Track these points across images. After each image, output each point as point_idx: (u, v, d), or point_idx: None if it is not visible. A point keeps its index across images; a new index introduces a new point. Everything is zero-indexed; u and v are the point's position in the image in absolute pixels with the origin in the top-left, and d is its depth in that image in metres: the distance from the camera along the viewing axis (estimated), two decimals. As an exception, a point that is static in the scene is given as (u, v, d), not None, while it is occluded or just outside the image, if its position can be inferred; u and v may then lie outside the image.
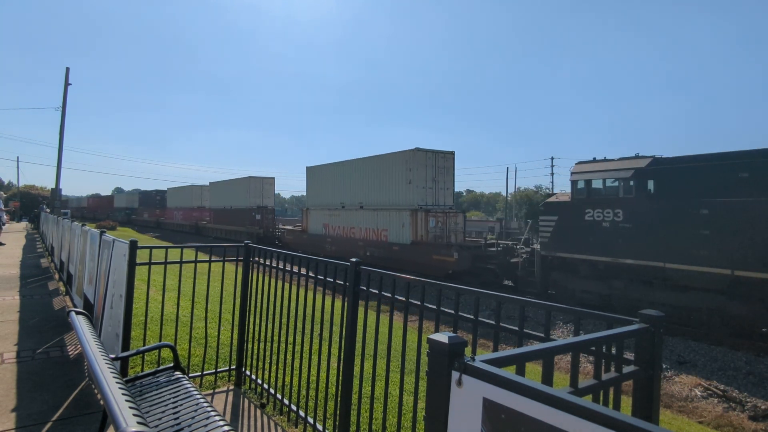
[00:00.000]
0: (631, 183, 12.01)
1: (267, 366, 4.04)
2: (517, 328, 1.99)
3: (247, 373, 4.19)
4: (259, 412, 3.76)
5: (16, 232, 26.62)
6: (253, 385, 4.11)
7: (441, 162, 19.14)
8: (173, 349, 3.15)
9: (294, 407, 3.49)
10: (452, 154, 19.46)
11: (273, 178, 34.13)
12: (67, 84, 24.58)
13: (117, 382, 1.82)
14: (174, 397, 2.65)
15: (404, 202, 18.74)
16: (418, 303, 2.53)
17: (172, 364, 3.08)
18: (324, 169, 24.62)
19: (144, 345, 4.12)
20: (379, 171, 20.43)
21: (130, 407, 1.58)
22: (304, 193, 28.32)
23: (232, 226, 33.69)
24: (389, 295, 2.74)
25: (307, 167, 25.87)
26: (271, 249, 4.00)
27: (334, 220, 23.04)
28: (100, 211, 69.03)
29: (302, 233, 25.52)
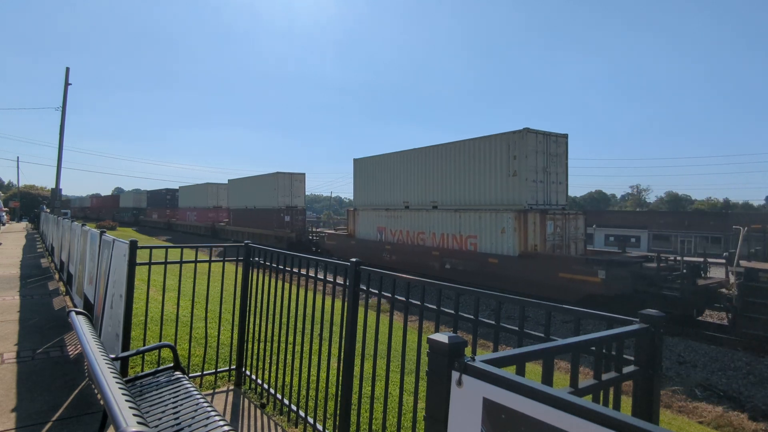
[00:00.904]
0: None
1: (267, 366, 4.04)
2: (517, 328, 1.99)
3: (247, 373, 4.19)
4: (259, 412, 3.76)
5: (16, 232, 26.63)
6: (253, 385, 4.11)
7: (553, 147, 14.25)
8: (173, 349, 3.15)
9: (294, 407, 3.49)
10: (565, 137, 14.69)
11: (303, 174, 29.89)
12: (67, 84, 24.58)
13: (117, 382, 1.82)
14: (174, 397, 2.65)
15: (505, 200, 14.30)
16: (418, 303, 2.53)
17: (172, 364, 3.08)
18: (380, 161, 20.21)
19: (144, 345, 4.12)
20: (464, 160, 15.71)
21: (130, 407, 1.58)
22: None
23: (257, 229, 29.92)
24: (389, 295, 2.74)
25: (354, 159, 21.90)
26: (271, 249, 3.99)
27: (394, 223, 18.90)
28: (104, 212, 66.23)
29: (348, 238, 21.60)
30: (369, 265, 2.85)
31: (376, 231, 19.97)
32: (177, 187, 47.91)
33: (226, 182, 38.62)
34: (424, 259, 16.88)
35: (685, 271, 11.39)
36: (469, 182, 15.70)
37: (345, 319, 2.99)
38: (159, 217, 49.68)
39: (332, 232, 25.49)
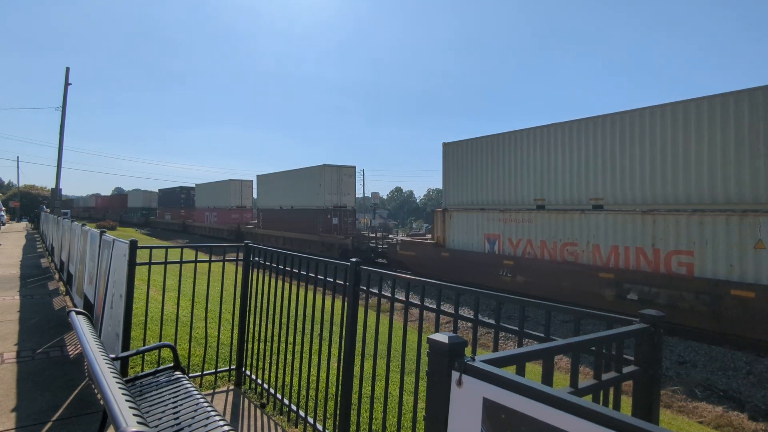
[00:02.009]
0: None
1: (267, 366, 4.04)
2: (517, 328, 2.00)
3: (247, 373, 4.19)
4: (259, 412, 3.76)
5: (16, 232, 26.64)
6: (253, 385, 4.11)
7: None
8: (173, 349, 3.15)
9: (294, 407, 3.49)
10: None
11: (353, 168, 24.98)
12: (67, 84, 24.60)
13: (117, 382, 1.82)
14: (174, 397, 2.65)
15: (760, 197, 9.04)
16: (418, 303, 2.53)
17: (172, 364, 3.08)
18: (488, 144, 14.70)
19: (144, 345, 4.13)
20: (665, 133, 10.30)
21: (130, 407, 1.58)
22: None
23: (296, 233, 25.24)
24: (389, 295, 2.74)
25: (445, 144, 16.58)
26: (270, 249, 3.99)
27: (517, 230, 13.66)
28: (111, 212, 62.20)
29: (436, 248, 16.36)
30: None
31: (484, 240, 14.67)
32: (193, 185, 43.53)
33: (252, 178, 34.75)
34: (582, 284, 11.62)
35: None
36: (678, 167, 10.06)
37: (345, 319, 2.99)
38: (172, 217, 45.44)
39: (408, 239, 19.78)
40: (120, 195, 67.16)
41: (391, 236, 23.59)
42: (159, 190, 51.74)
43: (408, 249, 17.92)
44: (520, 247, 13.62)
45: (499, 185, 14.52)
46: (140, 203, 55.13)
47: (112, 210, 62.68)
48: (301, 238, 24.79)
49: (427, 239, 18.79)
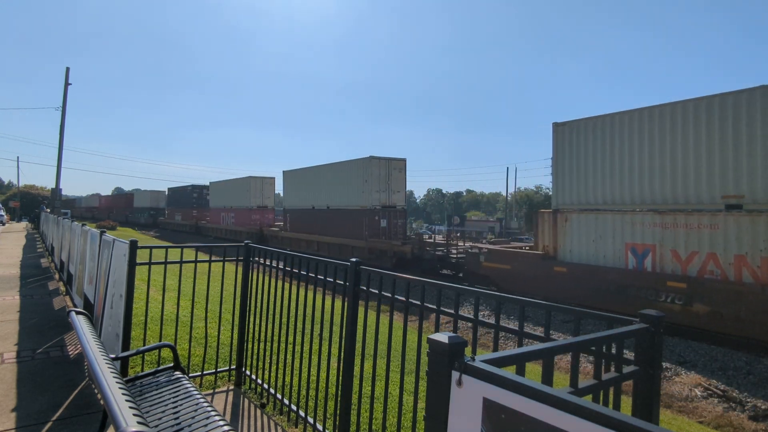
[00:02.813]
0: None
1: (267, 366, 4.04)
2: (517, 328, 2.00)
3: (247, 373, 4.19)
4: (259, 412, 3.76)
5: (16, 232, 26.65)
6: (253, 385, 4.11)
7: None
8: (173, 349, 3.15)
9: (294, 407, 3.49)
10: None
11: (404, 161, 21.14)
12: (67, 84, 24.60)
13: (117, 382, 1.82)
14: (174, 397, 2.65)
15: None
16: (418, 303, 2.53)
17: (172, 364, 3.08)
18: (622, 121, 11.31)
19: (144, 345, 4.13)
20: None
21: (130, 407, 1.58)
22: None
23: (336, 237, 21.72)
24: (389, 295, 2.74)
25: (555, 124, 12.99)
26: (270, 249, 3.99)
27: (693, 240, 9.99)
28: (116, 212, 59.22)
29: (545, 261, 12.84)
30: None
31: (626, 252, 11.05)
32: (206, 183, 40.62)
33: (273, 176, 31.91)
34: None
35: None
36: None
37: (345, 319, 2.99)
38: (184, 218, 42.00)
39: (499, 247, 15.53)
40: (125, 194, 61.62)
41: (469, 244, 18.80)
42: (168, 188, 48.42)
43: (499, 260, 14.15)
44: (696, 263, 9.84)
45: (651, 176, 10.64)
46: (147, 203, 51.98)
47: (117, 210, 60.00)
48: (342, 244, 21.17)
49: (521, 248, 15.27)
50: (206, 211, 39.31)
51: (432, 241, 19.23)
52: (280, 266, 3.80)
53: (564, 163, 12.90)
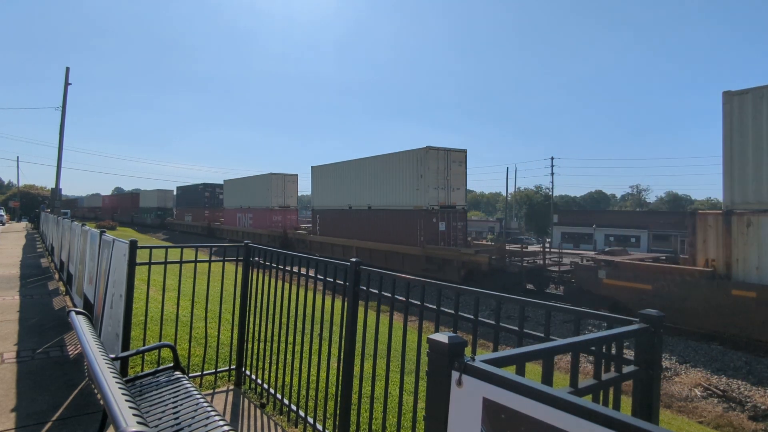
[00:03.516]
0: None
1: (267, 366, 4.04)
2: (517, 328, 1.99)
3: (247, 373, 4.19)
4: (259, 412, 3.76)
5: (16, 232, 26.65)
6: (253, 385, 4.11)
7: None
8: (173, 349, 3.15)
9: (294, 407, 3.49)
10: None
11: (464, 152, 18.00)
12: (67, 84, 24.59)
13: (117, 382, 1.82)
14: (174, 397, 2.65)
15: None
16: (418, 303, 2.53)
17: (172, 364, 3.08)
18: None
19: (144, 345, 4.13)
20: None
21: (130, 407, 1.58)
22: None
23: (380, 243, 18.93)
24: (389, 295, 2.74)
25: (727, 93, 9.89)
26: (270, 249, 3.99)
27: None
28: (121, 213, 57.06)
29: (715, 282, 9.91)
30: None
31: None
32: (220, 181, 38.63)
33: (296, 172, 29.03)
34: None
35: None
36: None
37: (345, 319, 2.99)
38: (195, 219, 39.51)
39: (626, 259, 12.47)
40: (130, 194, 58.20)
41: (577, 252, 15.17)
42: (177, 187, 45.25)
43: (632, 277, 11.14)
44: None
45: None
46: (154, 203, 49.23)
47: (122, 210, 57.53)
48: (390, 251, 18.27)
49: (658, 262, 12.10)
50: (220, 212, 37.06)
51: (520, 248, 15.50)
52: (280, 266, 3.80)
53: (743, 146, 9.39)
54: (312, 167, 24.99)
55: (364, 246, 20.08)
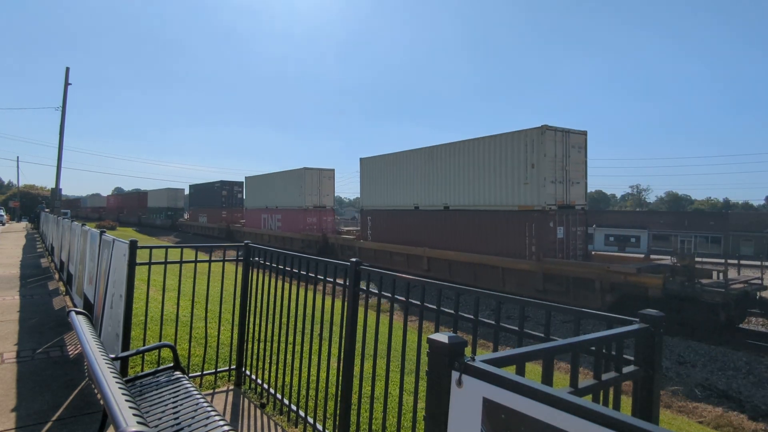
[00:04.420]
0: None
1: (267, 366, 4.04)
2: (517, 328, 1.99)
3: (247, 373, 4.19)
4: (259, 412, 3.76)
5: (16, 232, 26.65)
6: (253, 385, 4.11)
7: None
8: (173, 349, 3.15)
9: (294, 407, 3.49)
10: None
11: (584, 135, 13.82)
12: (67, 84, 24.58)
13: (117, 382, 1.82)
14: (174, 397, 2.65)
15: None
16: (418, 303, 2.53)
17: (172, 364, 3.08)
18: None
19: (144, 345, 4.13)
20: None
21: (130, 407, 1.58)
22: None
23: (463, 253, 15.10)
24: (389, 295, 2.74)
25: None
26: (270, 249, 3.99)
27: None
28: (127, 213, 54.07)
29: None
30: None
31: None
32: (239, 179, 35.29)
33: (329, 167, 24.96)
34: None
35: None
36: None
37: (345, 319, 2.99)
38: (211, 220, 36.12)
39: None
40: (138, 193, 53.74)
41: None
42: (190, 185, 41.80)
43: None
44: None
45: None
46: (164, 202, 45.53)
47: (129, 211, 54.19)
48: (484, 264, 14.31)
49: None
50: (239, 212, 33.90)
51: (724, 267, 11.02)
52: (280, 266, 3.80)
53: None
54: (361, 159, 20.70)
55: (440, 256, 15.89)
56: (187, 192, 45.20)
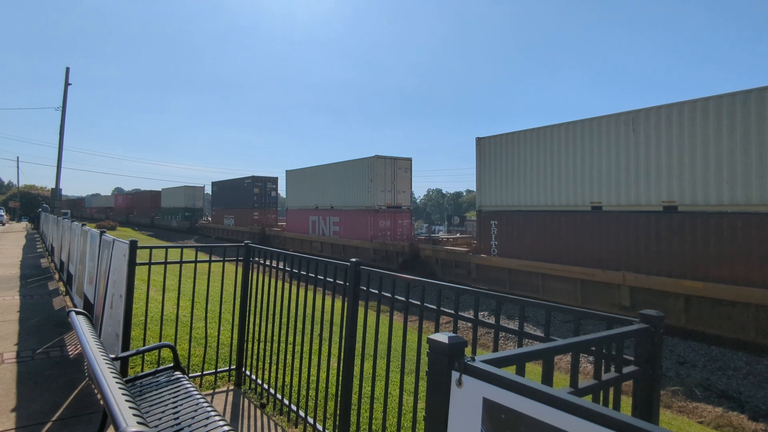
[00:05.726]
0: None
1: (267, 366, 4.04)
2: (517, 328, 1.99)
3: (247, 373, 4.19)
4: (259, 412, 3.76)
5: (16, 232, 26.65)
6: (253, 385, 4.11)
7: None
8: (173, 349, 3.15)
9: (294, 407, 3.49)
10: None
11: None
12: (67, 84, 24.59)
13: (117, 382, 1.82)
14: (174, 397, 2.65)
15: None
16: (418, 303, 2.53)
17: (172, 364, 3.08)
18: None
19: (144, 345, 4.12)
20: None
21: (130, 407, 1.58)
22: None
23: (648, 276, 9.73)
24: (389, 295, 2.74)
25: None
26: (271, 249, 4.00)
27: None
28: (138, 214, 49.55)
29: None
30: None
31: None
32: (273, 174, 29.83)
33: (403, 157, 18.99)
34: None
35: None
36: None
37: (345, 319, 2.99)
38: (239, 223, 30.18)
39: None
40: (151, 192, 48.37)
41: None
42: (213, 183, 36.01)
43: None
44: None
45: None
46: (181, 202, 39.81)
47: (140, 211, 49.37)
48: (704, 296, 9.37)
49: None
50: (274, 213, 29.39)
51: None
52: (281, 266, 3.80)
53: None
54: (477, 139, 14.44)
55: (661, 287, 9.86)
56: (207, 190, 39.87)
